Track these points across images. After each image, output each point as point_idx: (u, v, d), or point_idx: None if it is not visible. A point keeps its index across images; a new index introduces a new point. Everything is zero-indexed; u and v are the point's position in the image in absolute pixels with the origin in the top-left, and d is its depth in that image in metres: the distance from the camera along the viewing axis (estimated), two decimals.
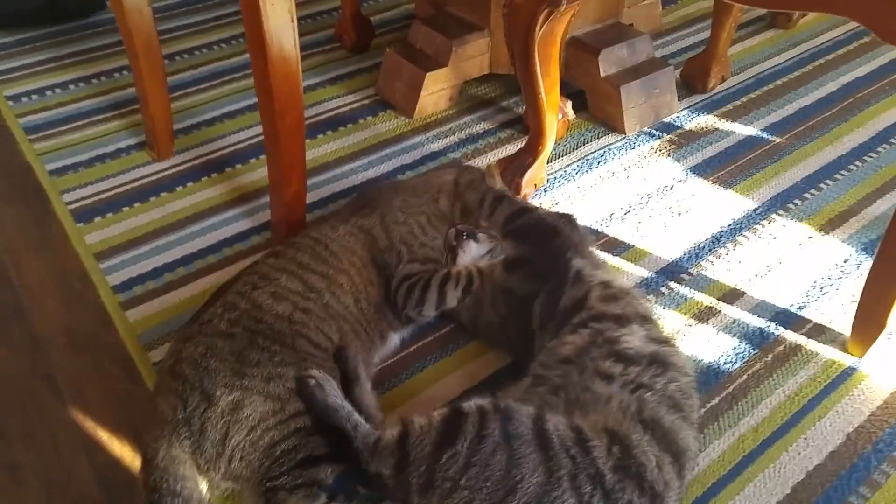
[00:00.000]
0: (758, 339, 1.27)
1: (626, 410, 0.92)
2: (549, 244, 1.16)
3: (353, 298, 1.16)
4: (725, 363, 1.23)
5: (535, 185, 1.58)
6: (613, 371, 0.96)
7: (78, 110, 1.89)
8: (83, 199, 1.60)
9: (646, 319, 1.06)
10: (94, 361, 1.25)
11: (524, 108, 1.87)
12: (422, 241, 1.24)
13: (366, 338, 1.16)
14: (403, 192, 1.33)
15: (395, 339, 1.23)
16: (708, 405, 1.15)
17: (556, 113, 1.48)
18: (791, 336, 1.28)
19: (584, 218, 1.55)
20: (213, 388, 0.96)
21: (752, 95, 1.97)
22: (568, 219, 1.29)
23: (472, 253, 1.26)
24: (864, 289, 1.19)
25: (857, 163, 1.72)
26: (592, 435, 0.88)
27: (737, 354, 1.24)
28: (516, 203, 1.24)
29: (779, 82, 2.02)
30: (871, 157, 1.73)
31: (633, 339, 1.01)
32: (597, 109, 1.85)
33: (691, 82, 1.97)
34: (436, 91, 1.86)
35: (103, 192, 1.62)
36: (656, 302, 1.35)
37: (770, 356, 1.24)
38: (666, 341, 1.04)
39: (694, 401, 0.99)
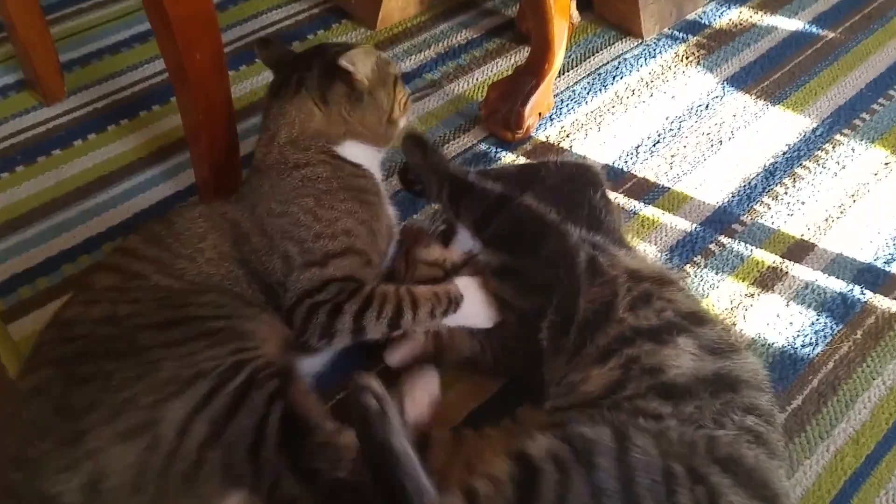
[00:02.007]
0: (840, 310, 1.01)
1: (693, 447, 0.68)
2: (544, 246, 0.82)
3: (208, 284, 0.84)
4: (804, 346, 0.97)
5: (541, 112, 1.25)
6: (662, 410, 0.71)
7: None
8: None
9: (696, 319, 0.77)
10: None
11: (517, 8, 1.50)
12: (316, 231, 0.87)
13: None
14: (265, 172, 0.92)
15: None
16: (788, 408, 0.90)
17: (566, 19, 1.13)
18: (882, 302, 1.02)
19: (604, 153, 1.24)
20: (50, 485, 0.67)
21: None
22: (584, 173, 0.96)
23: (467, 241, 0.91)
24: None
25: None
26: (673, 462, 0.65)
27: (816, 333, 0.98)
28: (487, 189, 0.87)
29: None
30: None
31: (683, 359, 0.73)
32: (606, 8, 1.49)
33: None
34: None
35: None
36: (706, 265, 1.06)
37: (859, 332, 0.98)
38: (730, 347, 0.76)
39: (776, 423, 0.73)
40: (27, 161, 1.23)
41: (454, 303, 0.85)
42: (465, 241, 0.92)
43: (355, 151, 0.94)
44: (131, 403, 0.69)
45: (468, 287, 0.86)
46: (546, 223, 0.82)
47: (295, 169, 0.90)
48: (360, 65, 0.90)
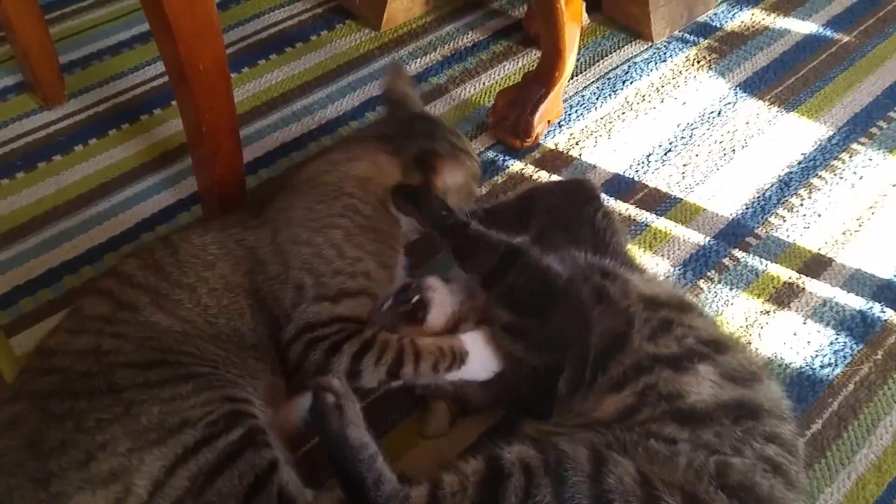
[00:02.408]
0: (860, 328, 0.96)
1: (701, 471, 0.65)
2: (555, 311, 0.77)
3: (202, 319, 0.79)
4: (822, 367, 0.92)
5: (550, 120, 1.20)
6: (677, 435, 0.68)
7: None
8: None
9: (718, 346, 0.74)
10: None
11: (524, 9, 1.44)
12: (336, 267, 0.83)
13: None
14: (305, 193, 0.90)
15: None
16: (807, 432, 0.85)
17: (579, 24, 1.07)
18: None
19: (615, 162, 1.19)
20: None
21: None
22: (579, 189, 0.92)
23: (446, 307, 0.85)
24: None
25: None
26: (664, 491, 0.62)
27: (835, 353, 0.94)
28: (493, 241, 0.81)
29: None
30: None
31: (703, 387, 0.70)
32: (615, 10, 1.43)
33: None
34: None
35: None
36: (720, 280, 1.02)
37: (880, 352, 0.93)
38: (752, 376, 0.73)
39: (798, 454, 0.70)
40: (27, 167, 1.18)
41: (459, 359, 0.80)
42: (441, 308, 0.84)
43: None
44: (104, 449, 0.64)
45: (473, 342, 0.81)
46: (555, 287, 0.76)
47: (345, 196, 0.88)
48: (448, 176, 0.90)
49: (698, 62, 1.36)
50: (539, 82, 1.13)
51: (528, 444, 0.66)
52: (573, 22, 1.06)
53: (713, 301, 1.00)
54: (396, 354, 0.78)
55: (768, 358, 0.93)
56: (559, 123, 1.24)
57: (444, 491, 0.64)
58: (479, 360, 0.80)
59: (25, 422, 0.67)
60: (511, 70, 1.35)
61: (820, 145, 1.21)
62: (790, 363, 0.93)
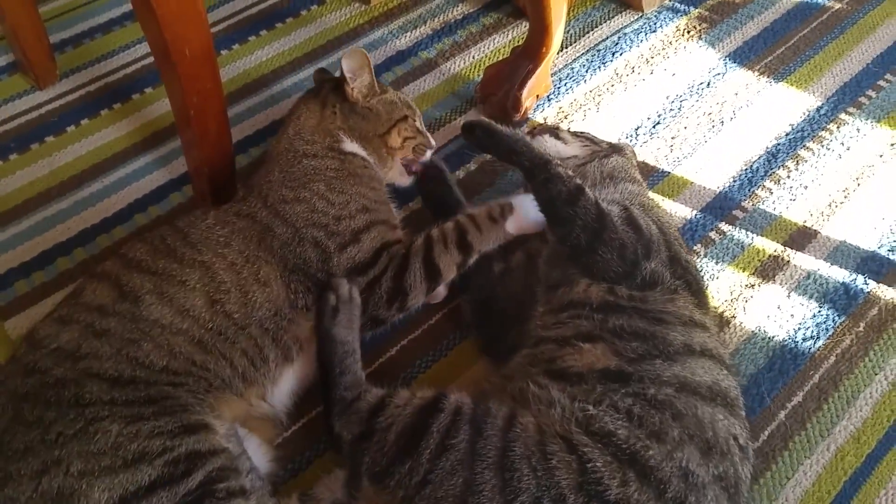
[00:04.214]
0: (843, 301, 0.93)
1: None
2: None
3: (204, 300, 0.75)
4: (805, 340, 0.89)
5: (538, 94, 1.14)
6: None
7: None
8: None
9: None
10: None
11: None
12: (334, 214, 0.83)
13: (238, 365, 0.75)
14: (277, 160, 0.90)
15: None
16: (788, 406, 0.83)
17: None
18: (886, 293, 0.94)
19: (603, 136, 1.12)
20: None
21: None
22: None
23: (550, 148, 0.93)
24: None
25: None
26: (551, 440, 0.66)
27: (818, 325, 0.91)
28: (566, 177, 0.80)
29: None
30: None
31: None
32: None
33: None
34: None
35: None
36: (706, 254, 0.98)
37: (862, 325, 0.91)
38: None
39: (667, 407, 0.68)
40: (20, 149, 1.14)
41: (507, 209, 0.85)
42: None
43: (358, 149, 0.93)
44: (59, 465, 0.61)
45: (517, 198, 0.87)
46: (610, 227, 0.78)
47: (304, 158, 0.89)
48: (346, 63, 0.92)
49: (688, 32, 1.30)
50: (526, 58, 1.07)
51: (468, 395, 0.72)
52: None
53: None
54: (456, 229, 0.83)
55: (752, 331, 0.90)
56: (548, 97, 1.19)
57: (394, 401, 0.71)
58: (525, 207, 0.84)
59: (0, 418, 0.65)
60: (501, 43, 1.29)
61: (808, 116, 1.16)
62: (773, 336, 0.90)
